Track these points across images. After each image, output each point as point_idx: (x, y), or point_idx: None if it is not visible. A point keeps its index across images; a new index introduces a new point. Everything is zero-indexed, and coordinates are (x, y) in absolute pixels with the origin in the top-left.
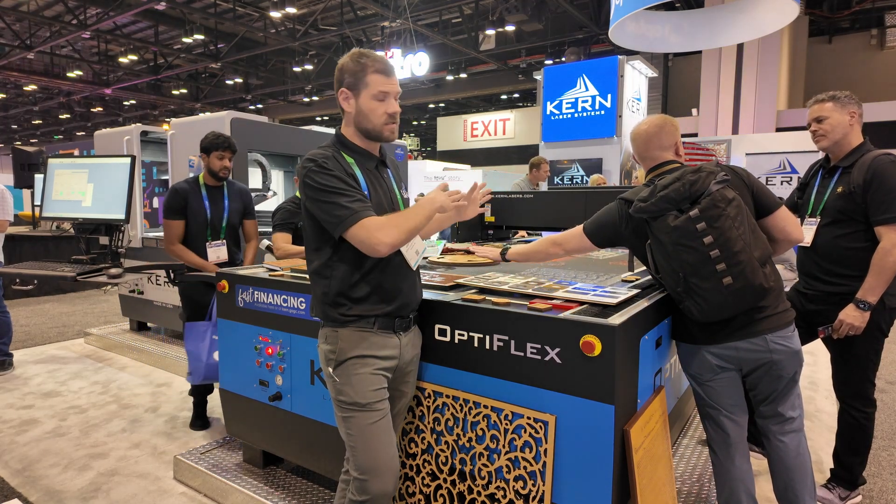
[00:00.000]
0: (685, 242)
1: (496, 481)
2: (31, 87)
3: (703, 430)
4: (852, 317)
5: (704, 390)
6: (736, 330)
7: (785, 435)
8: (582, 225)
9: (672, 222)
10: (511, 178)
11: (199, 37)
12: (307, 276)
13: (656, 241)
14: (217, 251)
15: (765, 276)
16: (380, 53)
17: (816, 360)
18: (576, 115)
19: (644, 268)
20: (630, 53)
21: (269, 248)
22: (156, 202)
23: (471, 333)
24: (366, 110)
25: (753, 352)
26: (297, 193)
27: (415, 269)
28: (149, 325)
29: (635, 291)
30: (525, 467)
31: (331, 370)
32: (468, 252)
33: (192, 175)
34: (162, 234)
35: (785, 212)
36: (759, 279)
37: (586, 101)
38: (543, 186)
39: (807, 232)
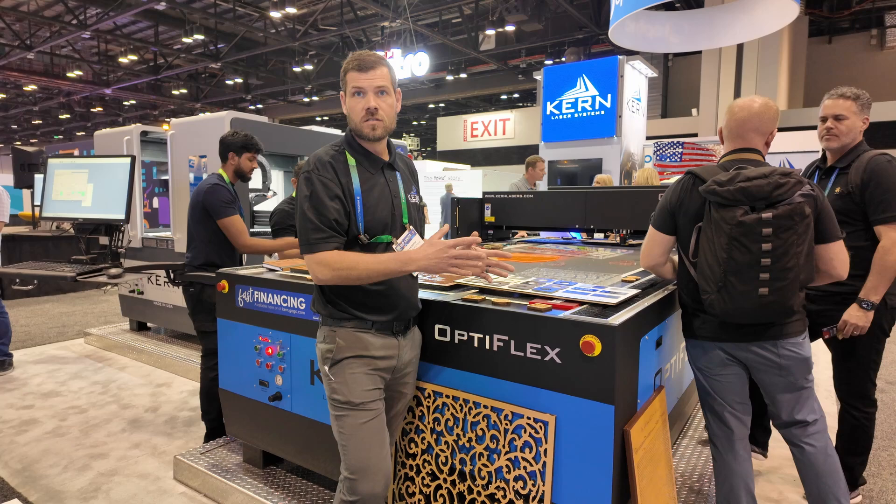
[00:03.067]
0: (743, 241)
1: (496, 481)
2: (31, 87)
3: (705, 427)
4: (856, 317)
5: (711, 384)
6: (750, 332)
7: (810, 437)
8: (650, 228)
9: (741, 217)
10: (511, 179)
11: (199, 37)
12: (307, 276)
13: (714, 228)
14: None
15: (797, 301)
16: (379, 53)
17: (817, 360)
18: (576, 115)
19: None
20: (630, 53)
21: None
22: (156, 202)
23: (471, 333)
24: (348, 109)
25: (763, 355)
26: (294, 194)
27: (414, 276)
28: (149, 325)
29: (635, 291)
30: (525, 467)
31: (326, 369)
32: None
33: (193, 175)
34: (163, 234)
35: (839, 246)
36: (792, 301)
37: (586, 102)
38: (543, 185)
39: None
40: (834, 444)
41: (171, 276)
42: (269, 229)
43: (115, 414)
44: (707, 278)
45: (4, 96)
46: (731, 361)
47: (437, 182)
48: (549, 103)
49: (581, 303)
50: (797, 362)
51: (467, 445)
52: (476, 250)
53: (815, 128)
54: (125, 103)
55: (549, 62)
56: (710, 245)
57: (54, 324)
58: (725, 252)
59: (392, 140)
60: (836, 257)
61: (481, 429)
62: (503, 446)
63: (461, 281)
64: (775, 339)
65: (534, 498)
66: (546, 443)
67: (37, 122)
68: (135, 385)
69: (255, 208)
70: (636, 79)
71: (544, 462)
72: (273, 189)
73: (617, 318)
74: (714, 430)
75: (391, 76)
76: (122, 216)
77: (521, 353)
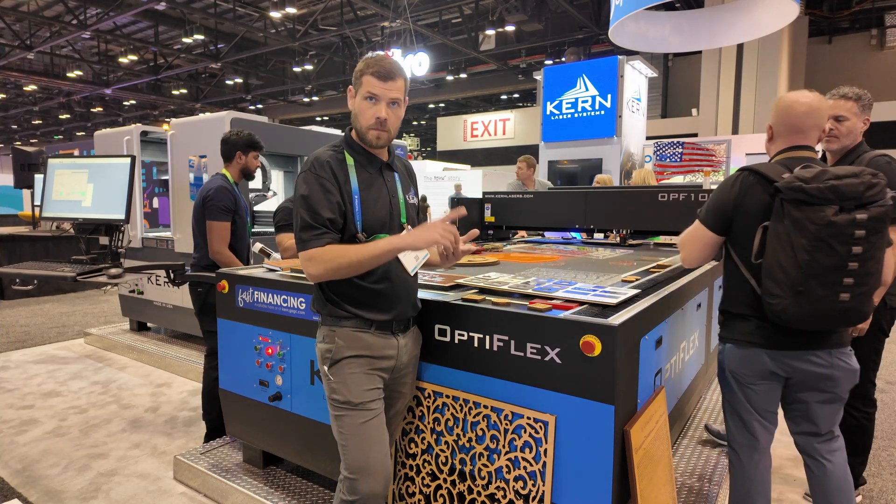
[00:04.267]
0: (832, 243)
1: (496, 481)
2: (31, 87)
3: (724, 434)
4: None
5: (745, 393)
6: (808, 340)
7: (833, 454)
8: (696, 221)
9: (832, 216)
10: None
11: (199, 37)
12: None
13: (793, 228)
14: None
15: (871, 307)
16: (391, 58)
17: None
18: (576, 115)
19: (644, 267)
20: (630, 53)
21: (262, 252)
22: (156, 202)
23: (471, 333)
24: (357, 110)
25: (816, 364)
26: None
27: (412, 274)
28: (149, 325)
29: (635, 291)
30: (525, 467)
31: (326, 368)
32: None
33: (193, 175)
34: (163, 234)
35: (891, 252)
36: (868, 308)
37: (586, 102)
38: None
39: None
40: None
41: (172, 276)
42: (271, 228)
43: (116, 414)
44: (779, 282)
45: (4, 96)
46: (773, 374)
47: (437, 182)
48: (549, 103)
49: (581, 303)
50: (847, 373)
51: (467, 445)
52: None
53: None
54: (125, 103)
55: (549, 62)
56: (784, 246)
57: (54, 324)
58: (808, 254)
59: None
60: (888, 263)
61: (481, 429)
62: (503, 446)
63: (461, 281)
64: (830, 349)
65: (534, 498)
66: (546, 443)
67: (37, 122)
68: (135, 385)
69: (256, 208)
70: (636, 79)
71: (544, 462)
72: (273, 189)
73: (617, 318)
74: (736, 436)
75: (406, 87)
76: (122, 216)
77: (522, 353)
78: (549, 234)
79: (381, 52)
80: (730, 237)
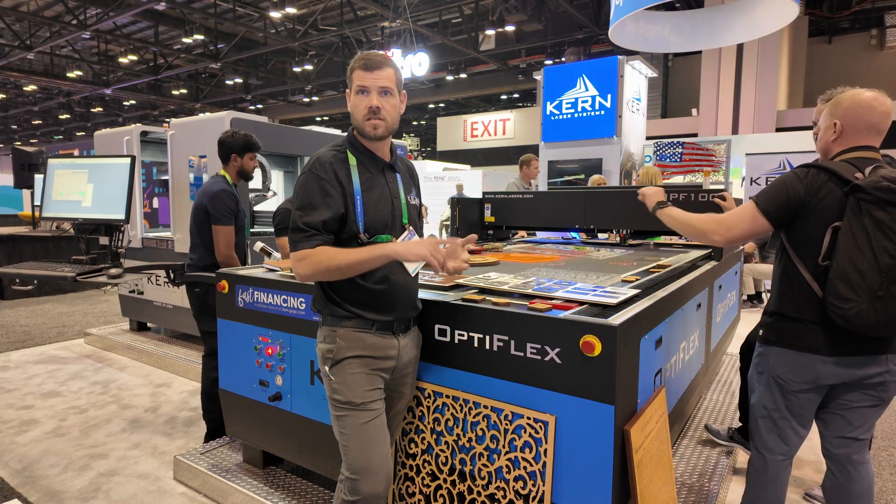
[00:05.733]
0: None
1: (496, 481)
2: (31, 88)
3: (752, 433)
4: None
5: (787, 399)
6: (873, 346)
7: (863, 465)
8: (753, 203)
9: None
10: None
11: (199, 37)
12: None
13: (873, 230)
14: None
15: None
16: (380, 52)
17: None
18: (576, 115)
19: (644, 268)
20: (630, 53)
21: (263, 251)
22: (156, 202)
23: (471, 333)
24: (351, 106)
25: (873, 368)
26: None
27: (413, 275)
28: (149, 325)
29: (635, 291)
30: (525, 467)
31: (327, 369)
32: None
33: (193, 175)
34: (163, 234)
35: None
36: None
37: (586, 102)
38: (542, 184)
39: None
40: None
41: (171, 276)
42: (271, 229)
43: (115, 414)
44: (855, 285)
45: (4, 96)
46: (824, 382)
47: (437, 182)
48: (548, 103)
49: (581, 303)
50: None
51: (467, 445)
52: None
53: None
54: (125, 103)
55: (549, 62)
56: (863, 248)
57: (54, 324)
58: (891, 258)
59: (393, 141)
60: None
61: (481, 429)
62: (503, 446)
63: (461, 281)
64: (887, 353)
65: (534, 498)
66: (546, 443)
67: (37, 122)
68: (135, 385)
69: (255, 208)
70: (636, 79)
71: (544, 462)
72: (273, 189)
73: (617, 318)
74: (766, 441)
75: (396, 77)
76: (122, 216)
77: (521, 353)
78: (546, 234)
79: (370, 51)
80: (790, 235)
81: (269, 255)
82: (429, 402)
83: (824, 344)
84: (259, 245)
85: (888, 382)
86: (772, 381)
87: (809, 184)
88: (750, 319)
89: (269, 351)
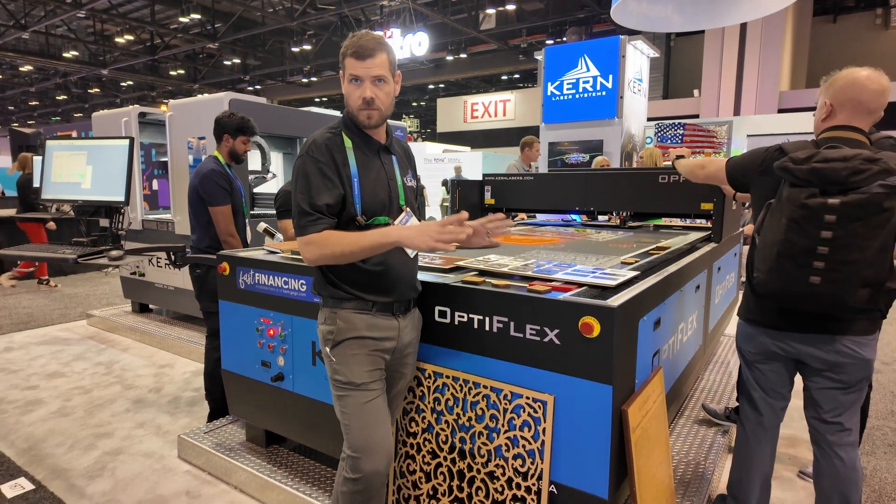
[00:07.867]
0: (802, 224)
1: (495, 459)
2: (27, 68)
3: (733, 410)
4: None
5: (751, 370)
6: (803, 324)
7: (842, 448)
8: (727, 160)
9: (804, 199)
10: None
11: (196, 16)
12: None
13: (780, 207)
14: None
15: (858, 298)
16: (378, 33)
17: None
18: (577, 95)
19: (644, 249)
20: (632, 33)
21: (266, 231)
22: (155, 184)
23: (471, 315)
24: (345, 93)
25: (820, 349)
26: None
27: (412, 256)
28: (150, 306)
29: (634, 273)
30: (524, 446)
31: (328, 350)
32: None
33: (192, 157)
34: (163, 216)
35: None
36: (847, 297)
37: (587, 82)
38: (542, 166)
39: None
40: None
41: (172, 258)
42: (271, 210)
43: (119, 394)
44: (764, 257)
45: (1, 77)
46: (776, 355)
47: (437, 164)
48: (549, 84)
49: (580, 285)
50: (856, 362)
51: (467, 424)
52: (462, 226)
53: None
54: (122, 84)
55: (550, 42)
56: (773, 223)
57: (56, 305)
58: (783, 233)
59: (391, 122)
60: None
61: (481, 408)
62: (502, 425)
63: (461, 263)
64: (834, 335)
65: (532, 476)
66: (545, 422)
67: (34, 103)
68: (138, 366)
69: (255, 190)
70: (638, 59)
71: (543, 441)
72: (272, 171)
73: (616, 300)
74: (745, 410)
75: (390, 61)
76: (121, 198)
77: (521, 335)
78: (546, 217)
79: (361, 31)
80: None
81: (273, 235)
82: (429, 382)
83: (762, 317)
84: (262, 226)
85: (841, 364)
86: (738, 349)
87: (765, 159)
88: None
89: (271, 332)
